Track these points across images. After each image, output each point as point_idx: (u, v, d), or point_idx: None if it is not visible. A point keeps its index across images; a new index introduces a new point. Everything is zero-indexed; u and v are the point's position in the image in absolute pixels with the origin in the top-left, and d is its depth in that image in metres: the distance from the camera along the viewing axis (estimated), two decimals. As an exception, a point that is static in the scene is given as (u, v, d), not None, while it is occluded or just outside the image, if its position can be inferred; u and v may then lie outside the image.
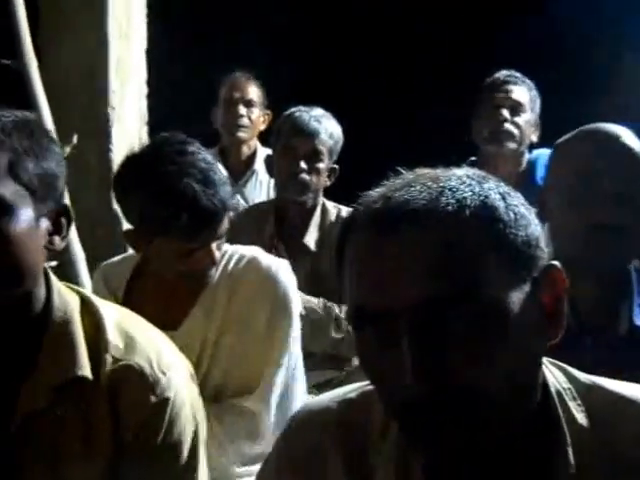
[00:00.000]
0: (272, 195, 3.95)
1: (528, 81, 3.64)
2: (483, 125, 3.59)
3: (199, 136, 2.32)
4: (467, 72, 3.97)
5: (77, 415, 1.49)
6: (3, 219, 1.39)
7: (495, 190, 1.11)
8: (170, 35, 4.73)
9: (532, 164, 3.62)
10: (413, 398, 1.06)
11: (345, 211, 3.20)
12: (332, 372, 3.01)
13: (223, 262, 2.31)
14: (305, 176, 3.19)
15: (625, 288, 1.97)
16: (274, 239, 3.23)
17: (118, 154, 3.50)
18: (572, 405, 1.17)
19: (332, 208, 3.28)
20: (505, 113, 3.55)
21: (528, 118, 3.59)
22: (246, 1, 5.68)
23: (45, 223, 1.46)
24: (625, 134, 1.96)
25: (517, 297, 1.08)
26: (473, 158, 3.59)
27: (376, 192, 1.13)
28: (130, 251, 2.52)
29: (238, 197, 3.98)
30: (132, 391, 1.51)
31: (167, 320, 2.14)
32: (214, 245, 2.22)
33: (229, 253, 2.33)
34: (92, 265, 3.09)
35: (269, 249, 2.70)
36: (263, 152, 4.17)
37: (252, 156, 4.33)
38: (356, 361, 2.82)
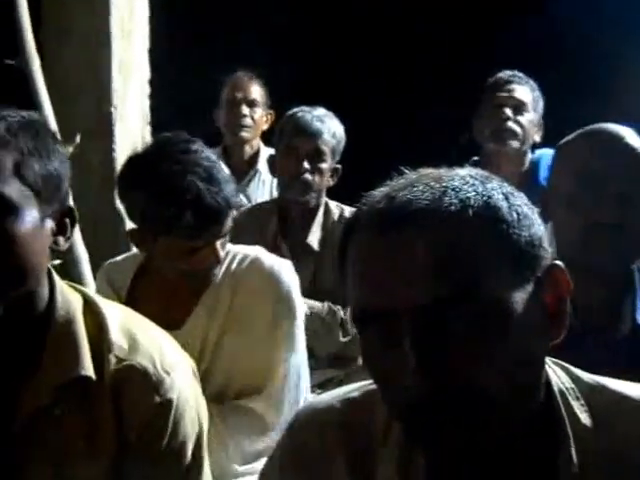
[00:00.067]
0: (275, 195, 3.94)
1: (531, 81, 3.63)
2: (485, 124, 3.58)
3: (202, 136, 2.32)
4: (467, 72, 3.98)
5: (80, 415, 1.49)
6: (8, 219, 1.39)
7: (498, 190, 1.11)
8: (170, 35, 4.73)
9: (535, 164, 3.61)
10: (415, 399, 1.06)
11: (348, 211, 3.20)
12: (333, 371, 3.00)
13: (226, 262, 2.31)
14: (308, 176, 3.19)
15: (628, 288, 1.97)
16: (277, 239, 3.23)
17: (121, 153, 3.51)
18: (575, 405, 1.16)
19: (335, 208, 3.27)
20: (508, 112, 3.54)
21: (531, 118, 3.58)
22: (246, 1, 5.68)
23: (50, 224, 1.46)
24: (629, 135, 1.96)
25: (520, 297, 1.08)
26: (476, 158, 3.58)
27: (379, 192, 1.13)
28: (133, 250, 2.53)
29: (241, 196, 3.98)
30: (135, 391, 1.50)
31: (170, 319, 2.15)
32: (218, 243, 2.22)
33: (232, 253, 2.33)
34: (95, 264, 3.10)
35: (272, 249, 2.70)
36: (266, 152, 4.17)
37: (255, 156, 4.32)
38: (361, 361, 2.82)
